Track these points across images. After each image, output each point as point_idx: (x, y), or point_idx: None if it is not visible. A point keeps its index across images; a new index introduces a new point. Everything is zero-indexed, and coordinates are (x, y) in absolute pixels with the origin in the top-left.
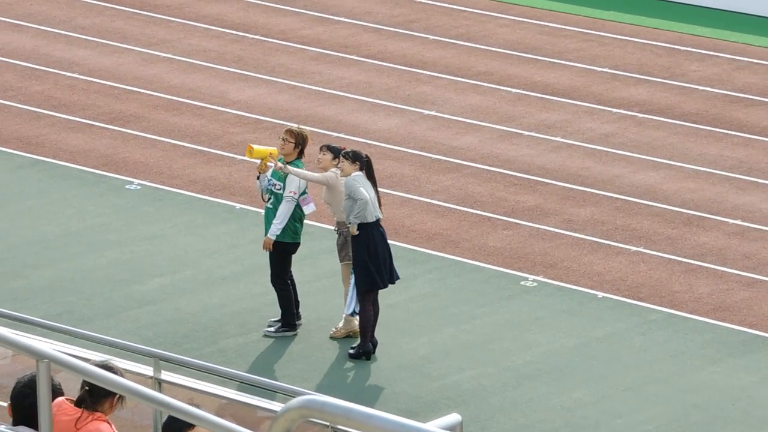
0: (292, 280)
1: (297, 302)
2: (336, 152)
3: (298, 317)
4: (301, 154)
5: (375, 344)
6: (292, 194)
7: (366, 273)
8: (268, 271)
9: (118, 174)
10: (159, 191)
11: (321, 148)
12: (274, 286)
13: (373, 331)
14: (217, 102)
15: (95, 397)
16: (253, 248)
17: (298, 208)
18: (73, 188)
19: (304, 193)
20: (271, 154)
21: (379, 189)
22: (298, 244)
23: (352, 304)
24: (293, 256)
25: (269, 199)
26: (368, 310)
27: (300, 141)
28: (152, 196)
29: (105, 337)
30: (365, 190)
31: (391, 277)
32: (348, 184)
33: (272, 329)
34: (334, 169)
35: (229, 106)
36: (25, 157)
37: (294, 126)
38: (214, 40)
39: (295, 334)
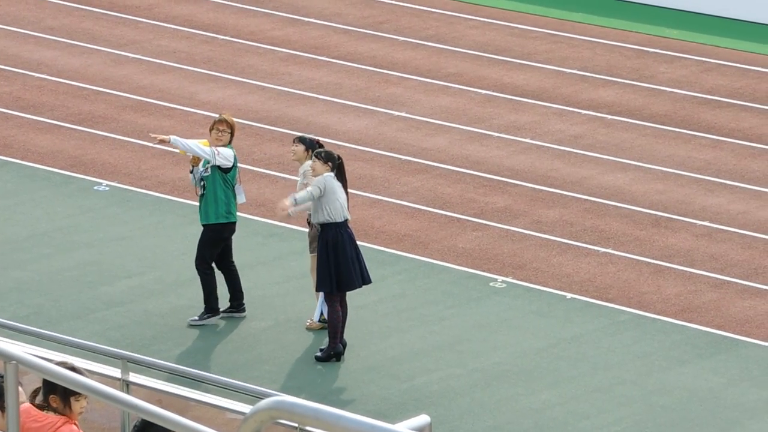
0: (233, 269)
1: (241, 292)
2: (308, 144)
3: (243, 309)
4: (230, 141)
5: (344, 345)
6: (216, 153)
7: (326, 275)
8: (238, 273)
9: (86, 175)
10: (127, 192)
11: (294, 140)
12: (197, 269)
13: (342, 332)
14: (187, 103)
15: (64, 399)
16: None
17: (232, 187)
18: (42, 189)
19: (234, 176)
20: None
21: (349, 190)
22: (232, 227)
23: (320, 309)
24: (234, 241)
25: (204, 186)
26: (336, 311)
27: (232, 129)
28: (121, 197)
29: (73, 339)
30: (333, 190)
31: (362, 278)
32: (316, 180)
33: (196, 317)
34: (326, 175)
35: (199, 107)
36: None
37: (224, 115)
38: (184, 41)
39: (219, 317)
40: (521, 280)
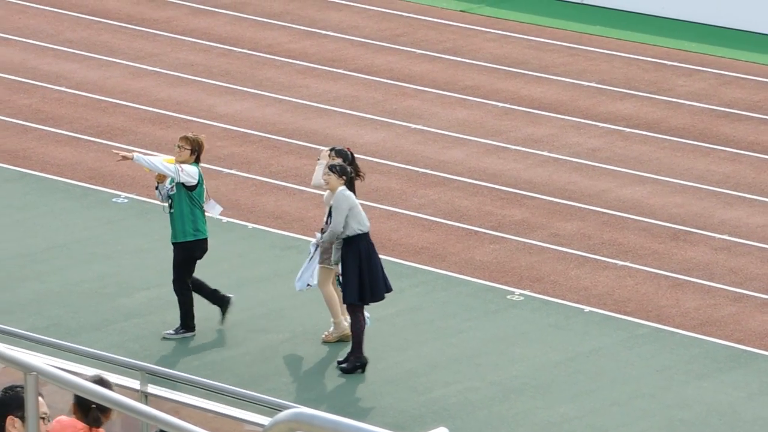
0: (195, 279)
1: (214, 291)
2: (343, 155)
3: (229, 301)
4: (197, 160)
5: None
6: (180, 171)
7: (356, 286)
8: (254, 286)
9: (105, 187)
10: (146, 204)
11: (330, 153)
12: (175, 290)
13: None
14: (205, 115)
15: (103, 413)
16: (240, 262)
17: (200, 205)
18: (60, 201)
19: (201, 193)
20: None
21: (367, 203)
22: (203, 244)
23: (304, 276)
24: (206, 258)
25: (171, 204)
26: (360, 321)
27: (196, 147)
28: (139, 209)
29: (92, 350)
30: (354, 203)
31: (386, 286)
32: (337, 203)
33: (172, 331)
34: (341, 188)
35: (216, 120)
36: (12, 171)
37: (188, 133)
38: (202, 53)
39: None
40: (539, 293)
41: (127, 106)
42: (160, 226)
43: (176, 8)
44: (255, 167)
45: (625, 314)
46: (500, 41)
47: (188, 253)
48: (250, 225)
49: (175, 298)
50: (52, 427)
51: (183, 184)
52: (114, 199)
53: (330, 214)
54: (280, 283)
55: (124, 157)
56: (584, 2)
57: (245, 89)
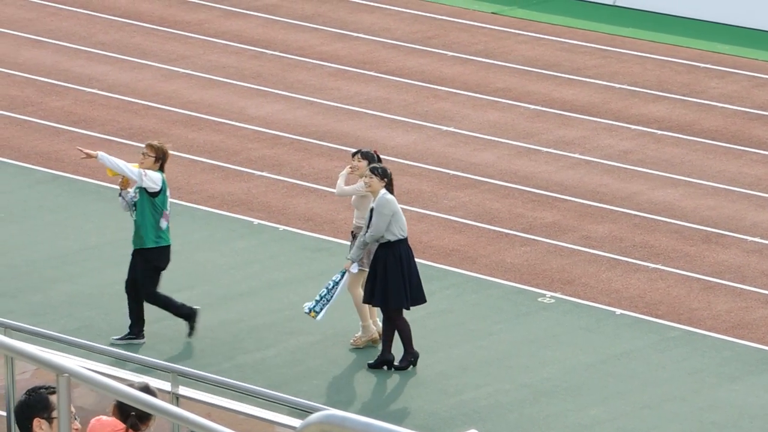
0: (141, 298)
1: (143, 320)
2: (370, 158)
3: (142, 336)
4: (161, 168)
5: (392, 360)
6: (143, 175)
7: (402, 291)
8: (285, 288)
9: None
10: (177, 206)
11: (354, 155)
12: (148, 302)
13: (390, 345)
14: (236, 118)
15: (142, 421)
16: (271, 264)
17: (162, 211)
18: (92, 203)
19: (164, 201)
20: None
21: (398, 205)
22: (166, 252)
23: (324, 303)
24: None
25: (135, 211)
26: (403, 321)
27: (161, 155)
28: (170, 211)
29: (123, 352)
30: (396, 208)
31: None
32: (379, 207)
33: (188, 330)
34: (383, 195)
35: (248, 122)
36: (45, 173)
37: (155, 141)
38: (233, 56)
39: (144, 342)
40: (570, 295)
41: (158, 108)
42: (192, 228)
43: (208, 11)
44: (286, 169)
45: (656, 317)
46: (532, 43)
47: (151, 263)
48: (281, 227)
49: (195, 305)
50: (91, 425)
51: (145, 189)
52: None
53: (370, 218)
54: (311, 285)
55: (88, 155)
56: (616, 4)
57: (277, 91)
